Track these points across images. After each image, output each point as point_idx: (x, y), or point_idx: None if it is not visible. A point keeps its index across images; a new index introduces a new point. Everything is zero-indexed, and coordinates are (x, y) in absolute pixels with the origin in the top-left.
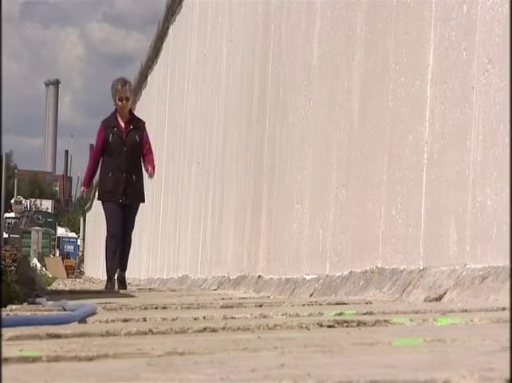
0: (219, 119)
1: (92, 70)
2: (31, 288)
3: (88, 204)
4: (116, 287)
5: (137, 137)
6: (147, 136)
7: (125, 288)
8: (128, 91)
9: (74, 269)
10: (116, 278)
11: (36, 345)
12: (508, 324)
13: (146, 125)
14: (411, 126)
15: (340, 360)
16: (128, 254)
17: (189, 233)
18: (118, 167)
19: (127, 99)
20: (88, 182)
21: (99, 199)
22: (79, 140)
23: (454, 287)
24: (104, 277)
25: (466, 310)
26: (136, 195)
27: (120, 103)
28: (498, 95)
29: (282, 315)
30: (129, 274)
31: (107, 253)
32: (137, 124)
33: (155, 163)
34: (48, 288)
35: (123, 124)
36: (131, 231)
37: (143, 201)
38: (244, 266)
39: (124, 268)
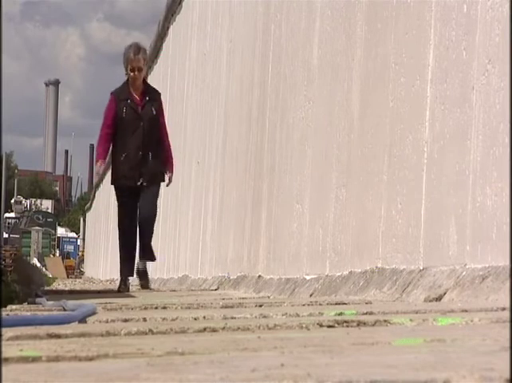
0: (219, 119)
1: (93, 70)
2: (28, 286)
3: (88, 204)
4: (130, 284)
5: (153, 110)
6: (163, 110)
7: (147, 285)
8: (141, 60)
9: (74, 269)
10: (137, 276)
11: (36, 345)
12: (508, 324)
13: (161, 97)
14: (411, 126)
15: (340, 360)
16: (148, 244)
17: (189, 233)
18: (133, 146)
19: (139, 69)
20: (102, 154)
21: (112, 183)
22: (79, 140)
23: (454, 287)
24: (105, 277)
25: (466, 310)
26: (155, 176)
27: (131, 73)
28: (498, 95)
29: (282, 315)
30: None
31: (120, 252)
32: (153, 95)
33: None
34: (48, 288)
35: (137, 96)
36: (153, 219)
37: (163, 180)
38: (244, 266)
39: (145, 258)
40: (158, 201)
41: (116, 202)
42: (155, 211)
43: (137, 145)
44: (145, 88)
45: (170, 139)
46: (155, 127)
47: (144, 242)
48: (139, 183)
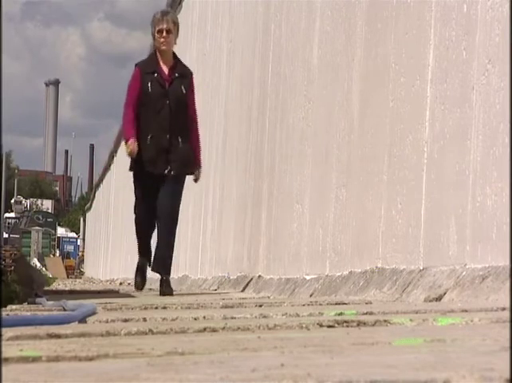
0: (219, 119)
1: (93, 70)
2: (30, 287)
3: (88, 204)
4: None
5: (183, 88)
6: (194, 92)
7: (170, 292)
8: (170, 22)
9: (74, 269)
10: (160, 279)
11: (36, 345)
12: (508, 324)
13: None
14: (411, 126)
15: (340, 360)
16: (169, 251)
17: (189, 233)
18: (159, 127)
19: (168, 31)
20: (132, 132)
21: (131, 169)
22: (79, 140)
23: (454, 287)
24: (105, 277)
25: (466, 310)
26: (185, 164)
27: (157, 35)
28: (498, 95)
29: (282, 315)
30: (129, 274)
31: (137, 240)
32: (184, 72)
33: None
34: (48, 288)
35: (166, 70)
36: (175, 214)
37: (192, 173)
38: (244, 266)
39: (165, 270)
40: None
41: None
42: (178, 211)
43: (163, 127)
44: (175, 63)
45: None
46: (184, 108)
47: (164, 249)
48: (166, 172)
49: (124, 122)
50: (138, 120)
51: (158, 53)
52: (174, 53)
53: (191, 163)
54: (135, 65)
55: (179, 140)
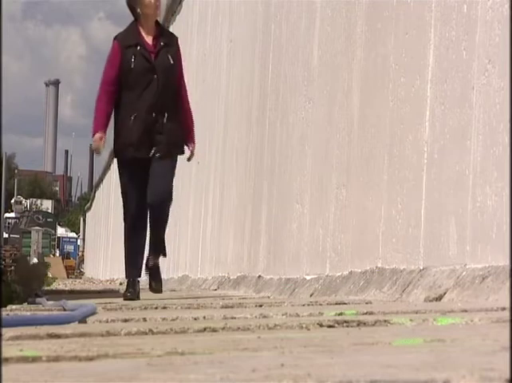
0: (219, 119)
1: (94, 70)
2: (29, 286)
3: (88, 204)
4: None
5: (170, 58)
6: (181, 59)
7: (159, 288)
8: None
9: (74, 269)
10: (148, 275)
11: (36, 345)
12: (508, 324)
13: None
14: (411, 126)
15: (340, 360)
16: (161, 236)
17: (189, 233)
18: (144, 106)
19: None
20: (102, 124)
21: (115, 155)
22: (79, 139)
23: (455, 287)
24: (105, 277)
25: (466, 310)
26: (173, 144)
27: (151, 1)
28: (498, 95)
29: (282, 315)
30: None
31: (125, 246)
32: (169, 40)
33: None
34: (48, 288)
35: (149, 40)
36: (167, 203)
37: (182, 153)
38: (244, 266)
39: (157, 252)
40: (174, 181)
41: (118, 180)
42: (171, 193)
43: (149, 104)
44: (159, 31)
45: None
46: (173, 80)
47: (156, 234)
48: (151, 155)
49: (94, 111)
50: (120, 102)
51: (139, 23)
52: (156, 20)
53: (180, 143)
54: (114, 38)
55: (165, 117)
